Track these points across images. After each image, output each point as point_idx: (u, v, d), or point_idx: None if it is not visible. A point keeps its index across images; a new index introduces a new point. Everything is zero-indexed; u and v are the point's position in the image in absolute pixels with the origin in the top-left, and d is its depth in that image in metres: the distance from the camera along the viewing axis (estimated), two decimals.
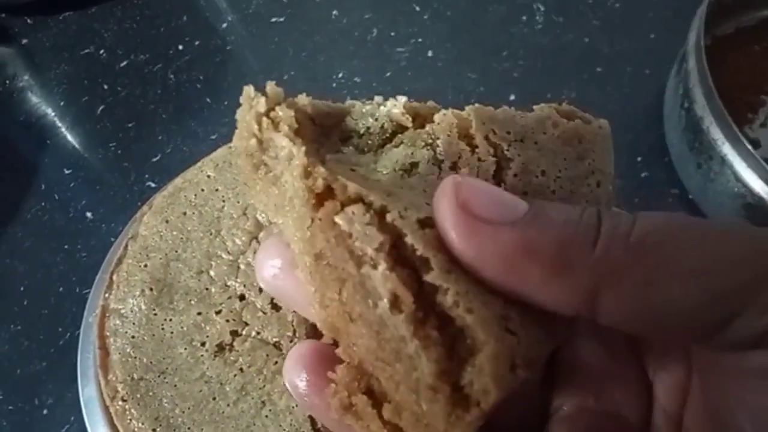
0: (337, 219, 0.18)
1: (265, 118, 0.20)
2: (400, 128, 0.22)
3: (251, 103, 0.21)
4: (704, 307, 0.17)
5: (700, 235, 0.17)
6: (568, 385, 0.22)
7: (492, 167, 0.21)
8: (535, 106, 0.23)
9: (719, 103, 0.45)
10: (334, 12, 0.66)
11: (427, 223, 0.18)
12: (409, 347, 0.18)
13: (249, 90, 0.21)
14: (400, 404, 0.19)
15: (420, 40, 0.63)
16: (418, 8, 0.66)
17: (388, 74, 0.61)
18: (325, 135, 0.21)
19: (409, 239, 0.18)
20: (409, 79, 0.61)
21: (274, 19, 0.67)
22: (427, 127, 0.22)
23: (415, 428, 0.18)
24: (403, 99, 0.22)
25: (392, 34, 0.64)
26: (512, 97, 0.58)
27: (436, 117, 0.22)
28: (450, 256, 0.18)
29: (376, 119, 0.22)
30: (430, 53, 0.62)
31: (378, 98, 0.23)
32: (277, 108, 0.20)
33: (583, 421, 0.21)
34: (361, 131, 0.23)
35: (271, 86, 0.21)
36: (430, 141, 0.22)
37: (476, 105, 0.22)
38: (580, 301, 0.17)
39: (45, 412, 0.48)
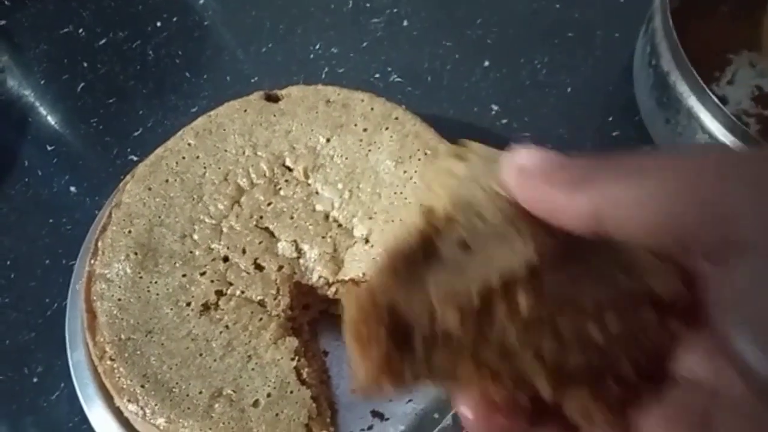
0: None
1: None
2: None
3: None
4: None
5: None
6: None
7: None
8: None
9: (684, 57, 0.46)
10: None
11: None
12: None
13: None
14: None
15: (395, 10, 0.64)
16: None
17: (365, 44, 0.62)
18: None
19: None
20: (386, 49, 0.62)
21: None
22: None
23: None
24: None
25: (367, 5, 0.65)
26: (486, 63, 0.59)
27: None
28: None
29: None
30: (405, 23, 0.63)
31: None
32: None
33: None
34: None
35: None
36: None
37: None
38: None
39: (35, 380, 0.49)
